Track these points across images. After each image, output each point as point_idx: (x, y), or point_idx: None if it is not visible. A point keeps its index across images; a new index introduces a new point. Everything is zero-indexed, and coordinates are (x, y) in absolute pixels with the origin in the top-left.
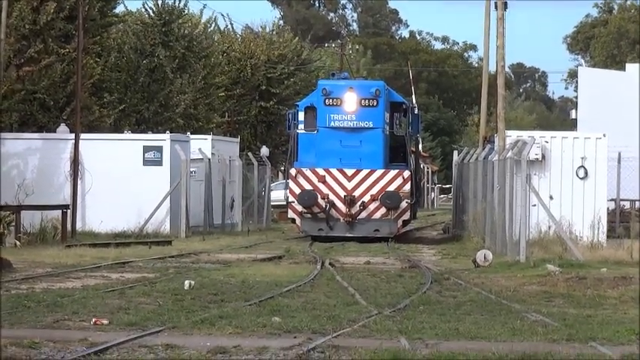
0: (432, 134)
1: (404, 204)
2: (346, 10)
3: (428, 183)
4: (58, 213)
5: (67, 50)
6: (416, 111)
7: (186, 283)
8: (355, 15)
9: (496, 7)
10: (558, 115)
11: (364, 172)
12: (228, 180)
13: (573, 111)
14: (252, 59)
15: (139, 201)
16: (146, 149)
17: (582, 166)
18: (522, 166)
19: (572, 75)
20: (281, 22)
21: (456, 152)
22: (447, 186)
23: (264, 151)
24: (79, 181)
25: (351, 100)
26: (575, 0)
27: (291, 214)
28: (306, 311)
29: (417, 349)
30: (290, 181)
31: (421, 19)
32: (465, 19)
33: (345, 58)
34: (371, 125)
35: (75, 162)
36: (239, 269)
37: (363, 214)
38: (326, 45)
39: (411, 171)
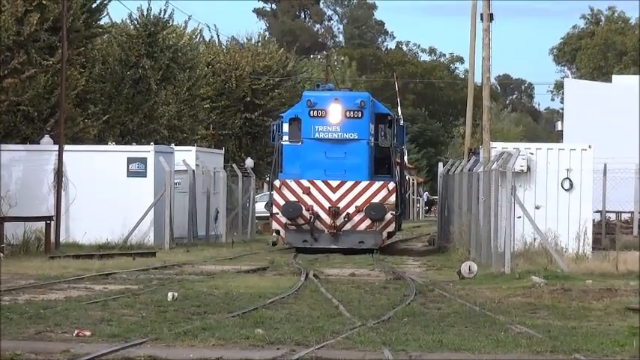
0: (418, 146)
1: (389, 216)
2: (332, 21)
3: (413, 194)
4: (41, 224)
5: (51, 62)
6: (401, 122)
7: (170, 294)
8: (341, 26)
9: (482, 19)
10: (545, 127)
11: (349, 183)
12: (212, 191)
13: (559, 123)
14: (237, 70)
15: (123, 212)
16: (130, 161)
17: (568, 178)
18: (507, 177)
19: (559, 87)
20: (266, 33)
21: (441, 164)
22: (433, 197)
23: (249, 162)
24: (62, 193)
25: (335, 112)
26: (564, 1)
27: (275, 225)
28: (290, 323)
29: None
30: (274, 192)
31: (408, 30)
32: (452, 31)
33: (330, 69)
34: (356, 137)
35: (59, 173)
36: (223, 281)
37: (348, 226)
38: (311, 56)
39: (396, 182)
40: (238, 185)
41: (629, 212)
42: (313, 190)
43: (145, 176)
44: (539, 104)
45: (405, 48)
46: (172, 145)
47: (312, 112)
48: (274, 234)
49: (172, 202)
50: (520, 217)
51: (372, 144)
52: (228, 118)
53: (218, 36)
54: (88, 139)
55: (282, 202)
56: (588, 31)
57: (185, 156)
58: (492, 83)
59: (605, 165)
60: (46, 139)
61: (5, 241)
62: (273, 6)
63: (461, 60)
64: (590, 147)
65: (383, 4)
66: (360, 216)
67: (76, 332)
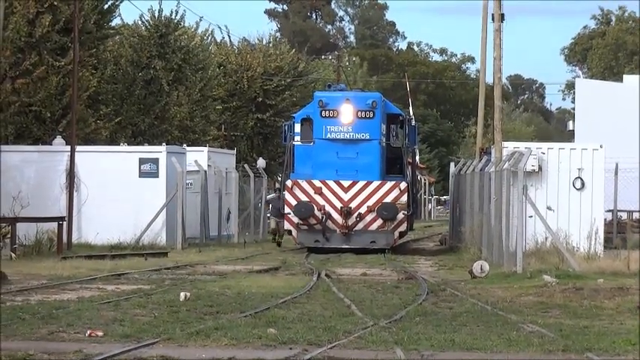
0: (430, 146)
1: (400, 215)
2: (343, 22)
3: (425, 194)
4: (53, 225)
5: (63, 63)
6: (413, 122)
7: (182, 294)
8: (352, 27)
9: (493, 19)
10: (556, 127)
11: (361, 183)
12: (224, 192)
13: (571, 122)
14: (249, 71)
15: (135, 213)
16: (142, 161)
17: (579, 177)
18: (519, 177)
19: (570, 86)
20: (278, 34)
21: (452, 164)
22: (444, 197)
23: (261, 162)
24: (74, 193)
25: (347, 112)
26: (574, 1)
27: (287, 225)
28: (302, 322)
29: None
30: (286, 192)
31: (419, 31)
32: (463, 31)
33: (341, 69)
34: (367, 137)
35: (70, 174)
36: (235, 281)
37: (360, 226)
38: (323, 57)
39: (407, 182)
40: (250, 185)
41: None
42: (325, 190)
43: (157, 177)
44: (550, 104)
45: (416, 48)
46: (184, 145)
47: (323, 112)
48: (270, 232)
49: (184, 203)
50: (532, 216)
51: (384, 144)
52: (240, 119)
53: (229, 37)
54: (100, 140)
55: (294, 202)
56: (599, 31)
57: (197, 156)
58: (504, 83)
59: (617, 164)
60: (58, 140)
61: (18, 241)
62: (285, 7)
63: (472, 60)
64: (601, 146)
65: (394, 4)
66: (372, 216)
67: (88, 332)
